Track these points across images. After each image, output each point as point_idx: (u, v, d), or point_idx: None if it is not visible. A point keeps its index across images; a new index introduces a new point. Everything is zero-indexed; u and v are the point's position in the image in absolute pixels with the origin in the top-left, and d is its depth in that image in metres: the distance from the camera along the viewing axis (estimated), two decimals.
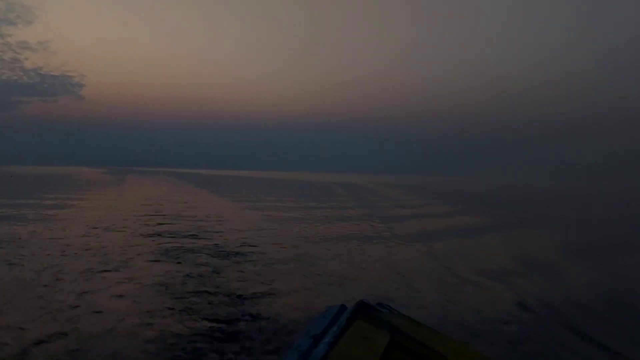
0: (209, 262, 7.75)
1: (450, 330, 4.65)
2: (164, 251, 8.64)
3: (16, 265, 7.09)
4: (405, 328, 2.30)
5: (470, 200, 35.69)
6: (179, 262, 7.71)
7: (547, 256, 10.28)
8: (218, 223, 13.30)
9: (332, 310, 2.46)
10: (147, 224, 12.58)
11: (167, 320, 4.85)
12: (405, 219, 17.03)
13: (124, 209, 16.95)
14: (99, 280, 6.34)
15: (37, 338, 4.21)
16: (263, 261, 8.06)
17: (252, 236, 10.89)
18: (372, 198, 30.83)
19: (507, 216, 21.17)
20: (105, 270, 6.92)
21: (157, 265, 7.38)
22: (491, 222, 17.93)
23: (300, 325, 4.63)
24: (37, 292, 5.69)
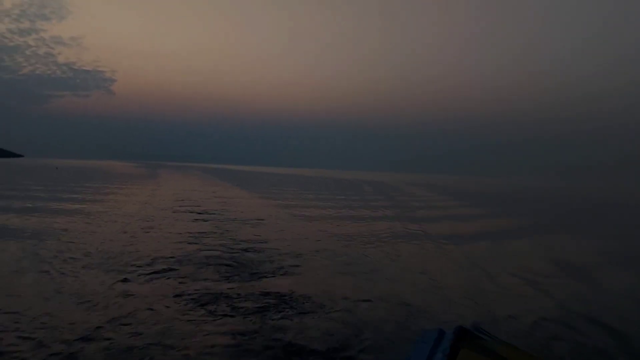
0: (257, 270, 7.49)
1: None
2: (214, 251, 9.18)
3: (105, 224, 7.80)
4: (513, 358, 2.19)
5: (495, 200, 35.38)
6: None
7: (586, 261, 10.18)
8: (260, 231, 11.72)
9: (431, 336, 2.34)
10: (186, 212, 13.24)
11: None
12: (439, 220, 17.21)
13: (165, 196, 17.77)
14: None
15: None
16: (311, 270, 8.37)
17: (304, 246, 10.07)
18: (402, 197, 30.96)
19: (541, 218, 20.91)
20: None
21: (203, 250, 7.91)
22: (528, 224, 17.83)
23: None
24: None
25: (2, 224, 11.04)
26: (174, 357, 3.99)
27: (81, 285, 5.96)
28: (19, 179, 33.72)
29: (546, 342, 4.84)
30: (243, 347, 4.30)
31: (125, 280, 6.27)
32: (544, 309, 5.97)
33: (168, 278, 6.49)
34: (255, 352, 4.22)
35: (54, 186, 25.92)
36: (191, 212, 14.72)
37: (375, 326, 4.96)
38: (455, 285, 7.03)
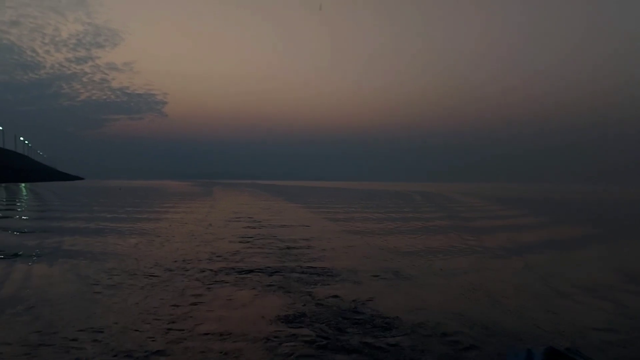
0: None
1: None
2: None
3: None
4: None
5: (551, 207, 34.40)
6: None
7: None
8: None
9: (519, 356, 2.28)
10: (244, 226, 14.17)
11: None
12: (498, 229, 17.21)
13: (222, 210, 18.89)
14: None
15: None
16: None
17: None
18: (454, 207, 30.83)
19: (602, 224, 20.15)
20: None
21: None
22: (592, 231, 17.46)
23: None
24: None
25: (117, 228, 12.51)
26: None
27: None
28: (94, 197, 36.33)
29: None
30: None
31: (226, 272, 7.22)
32: (632, 327, 5.67)
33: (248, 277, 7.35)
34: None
35: (134, 203, 27.87)
36: (251, 228, 15.73)
37: (452, 344, 4.89)
38: (526, 299, 6.79)
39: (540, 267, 9.43)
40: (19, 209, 24.56)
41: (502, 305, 6.42)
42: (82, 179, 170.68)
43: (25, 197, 37.79)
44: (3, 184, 74.70)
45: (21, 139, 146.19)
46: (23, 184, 78.03)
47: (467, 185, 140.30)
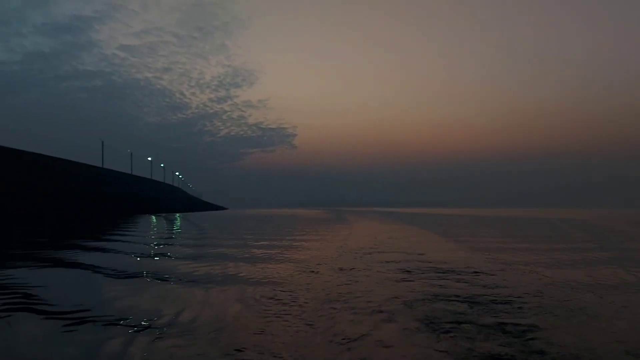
0: None
1: None
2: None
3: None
4: None
5: None
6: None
7: None
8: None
9: None
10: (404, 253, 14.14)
11: None
12: None
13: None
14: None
15: None
16: None
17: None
18: (615, 237, 27.54)
19: None
20: None
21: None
22: None
23: None
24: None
25: (274, 255, 13.55)
26: None
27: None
28: (247, 225, 39.62)
29: None
30: None
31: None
32: None
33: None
34: None
35: (283, 228, 29.92)
36: (405, 261, 15.69)
37: None
38: None
39: None
40: (180, 237, 27.60)
41: None
42: (225, 208, 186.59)
43: (182, 225, 42.39)
44: (163, 214, 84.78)
45: (177, 173, 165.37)
46: (177, 214, 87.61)
47: (598, 211, 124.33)
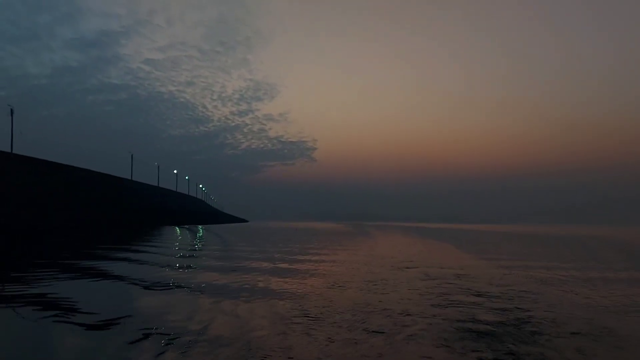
0: None
1: None
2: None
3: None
4: None
5: None
6: None
7: None
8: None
9: None
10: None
11: None
12: None
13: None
14: None
15: None
16: None
17: None
18: None
19: None
20: None
21: None
22: None
23: None
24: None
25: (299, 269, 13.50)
26: None
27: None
28: (267, 239, 39.75)
29: None
30: None
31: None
32: None
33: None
34: None
35: (304, 243, 29.93)
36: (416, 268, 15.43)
37: None
38: None
39: None
40: (206, 249, 27.77)
41: None
42: (246, 221, 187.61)
43: (206, 237, 42.70)
44: (186, 226, 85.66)
45: (200, 186, 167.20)
46: (200, 226, 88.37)
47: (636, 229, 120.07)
